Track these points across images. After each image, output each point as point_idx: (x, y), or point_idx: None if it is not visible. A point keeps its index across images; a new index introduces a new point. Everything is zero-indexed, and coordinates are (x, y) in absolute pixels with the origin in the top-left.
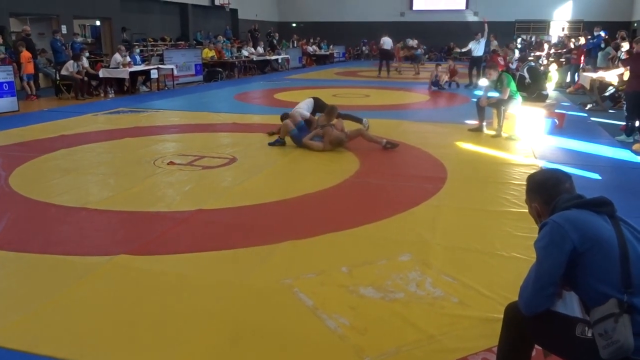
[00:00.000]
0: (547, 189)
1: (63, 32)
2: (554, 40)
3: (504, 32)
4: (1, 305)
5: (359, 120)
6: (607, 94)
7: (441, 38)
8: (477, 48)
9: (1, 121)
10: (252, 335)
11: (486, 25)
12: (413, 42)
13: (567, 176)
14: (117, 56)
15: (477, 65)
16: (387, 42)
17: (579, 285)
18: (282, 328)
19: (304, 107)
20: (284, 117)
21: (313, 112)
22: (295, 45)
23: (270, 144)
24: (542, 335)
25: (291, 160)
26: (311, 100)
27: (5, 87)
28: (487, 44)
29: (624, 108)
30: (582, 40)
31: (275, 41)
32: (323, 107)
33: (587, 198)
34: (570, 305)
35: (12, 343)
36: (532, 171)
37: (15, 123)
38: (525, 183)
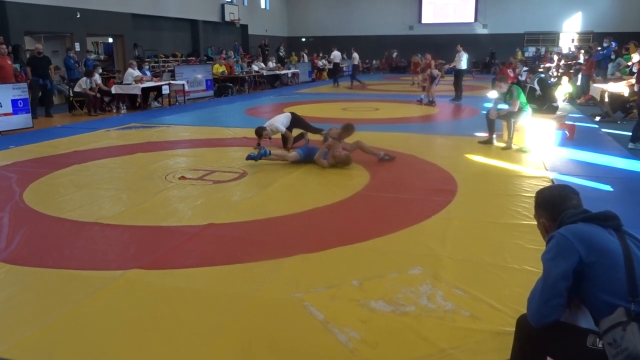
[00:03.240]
0: (554, 206)
1: (76, 49)
2: (565, 51)
3: (513, 44)
4: (16, 320)
5: (318, 131)
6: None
7: (450, 51)
8: (460, 62)
9: (16, 137)
10: (263, 349)
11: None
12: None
13: (575, 192)
14: (132, 71)
15: (459, 77)
16: (337, 56)
17: (586, 298)
18: (293, 342)
19: (280, 121)
20: (259, 131)
21: (290, 128)
22: (304, 59)
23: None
24: (554, 347)
25: (301, 174)
26: (289, 115)
27: (20, 104)
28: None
29: None
30: (583, 56)
31: (282, 55)
32: (299, 122)
33: (593, 212)
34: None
35: (27, 357)
36: (543, 183)
37: (29, 139)
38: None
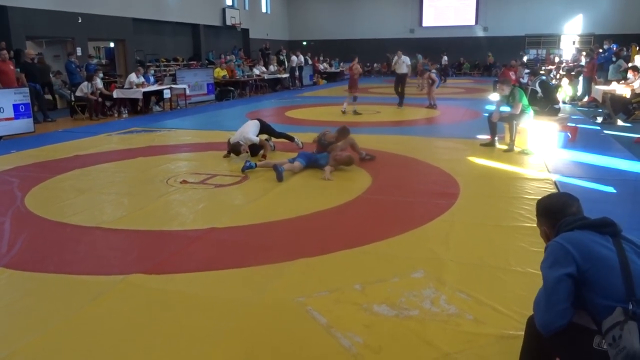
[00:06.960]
0: (553, 214)
1: (78, 54)
2: (565, 55)
3: (514, 47)
4: (17, 326)
5: (291, 139)
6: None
7: (451, 54)
8: (402, 66)
9: (18, 142)
10: (266, 354)
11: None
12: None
13: (574, 199)
14: (133, 77)
15: (402, 82)
16: (294, 60)
17: (587, 304)
18: (296, 346)
19: (251, 132)
20: (236, 148)
21: (259, 135)
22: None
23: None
24: (562, 347)
25: (303, 177)
26: (257, 122)
27: (22, 108)
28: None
29: None
30: (585, 58)
31: (282, 58)
32: (267, 129)
33: (590, 219)
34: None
35: None
36: (546, 185)
37: (31, 144)
38: (538, 198)
